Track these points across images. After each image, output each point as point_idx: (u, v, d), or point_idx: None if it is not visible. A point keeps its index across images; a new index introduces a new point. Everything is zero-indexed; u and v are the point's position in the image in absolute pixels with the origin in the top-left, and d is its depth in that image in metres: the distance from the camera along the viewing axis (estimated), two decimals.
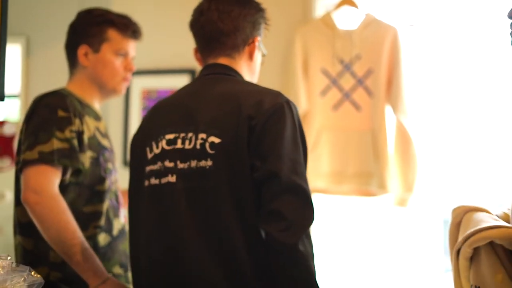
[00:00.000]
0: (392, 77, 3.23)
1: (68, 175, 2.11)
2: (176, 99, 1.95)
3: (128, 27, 2.33)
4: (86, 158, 2.14)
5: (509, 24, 1.56)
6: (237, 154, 1.74)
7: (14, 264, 1.53)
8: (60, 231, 1.97)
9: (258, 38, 1.99)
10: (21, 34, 4.40)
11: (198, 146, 1.78)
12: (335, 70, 3.31)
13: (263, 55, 2.05)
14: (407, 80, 3.22)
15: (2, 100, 2.09)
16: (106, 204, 2.21)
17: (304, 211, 1.72)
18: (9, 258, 1.56)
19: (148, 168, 1.85)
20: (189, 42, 3.65)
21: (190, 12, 3.69)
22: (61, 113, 2.10)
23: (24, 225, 2.13)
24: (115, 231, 2.24)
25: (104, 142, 2.28)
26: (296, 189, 1.72)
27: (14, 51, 4.37)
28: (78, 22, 2.33)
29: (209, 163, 1.75)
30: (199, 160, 1.76)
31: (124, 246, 2.29)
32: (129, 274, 2.29)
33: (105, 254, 2.18)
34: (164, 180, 1.81)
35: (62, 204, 2.00)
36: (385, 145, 3.21)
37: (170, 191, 1.80)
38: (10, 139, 4.33)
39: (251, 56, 1.98)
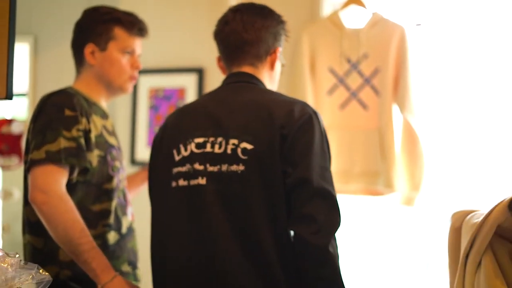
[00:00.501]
0: (399, 76, 3.23)
1: (75, 174, 2.11)
2: (203, 104, 2.03)
3: (134, 25, 2.33)
4: (94, 156, 2.15)
5: None
6: (269, 160, 1.84)
7: (22, 262, 1.54)
8: (68, 230, 1.97)
9: (279, 49, 2.09)
10: (29, 33, 4.42)
11: (229, 151, 1.87)
12: (342, 69, 3.31)
13: (282, 65, 2.15)
14: (414, 79, 3.21)
15: (11, 98, 2.10)
16: (114, 202, 2.22)
17: (332, 215, 1.83)
18: (17, 256, 1.57)
19: (176, 169, 1.93)
20: (196, 41, 3.67)
21: (197, 11, 3.72)
22: (68, 112, 2.10)
23: (33, 224, 2.14)
24: (123, 229, 2.25)
25: (112, 140, 2.28)
26: (324, 194, 1.83)
27: (22, 50, 4.39)
28: (84, 21, 2.33)
29: (241, 167, 1.85)
30: (230, 164, 1.86)
31: (132, 244, 2.30)
32: (138, 272, 2.30)
33: (114, 252, 2.19)
34: (193, 182, 1.89)
35: (69, 203, 2.00)
36: (392, 144, 3.21)
37: (201, 193, 1.88)
38: (18, 137, 4.35)
39: (272, 66, 2.08)
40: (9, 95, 2.10)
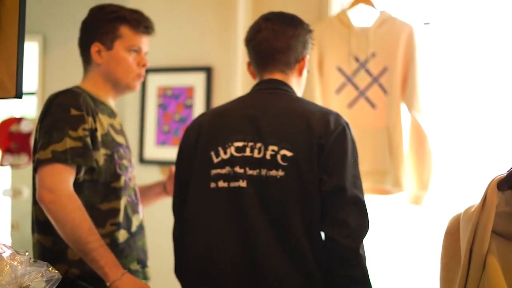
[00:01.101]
0: (408, 75, 3.23)
1: (82, 173, 2.12)
2: (239, 109, 2.12)
3: (140, 23, 2.32)
4: (100, 155, 2.15)
5: None
6: (307, 168, 1.96)
7: (32, 260, 1.55)
8: (75, 229, 1.98)
9: (307, 57, 2.19)
10: (38, 32, 4.44)
11: (268, 157, 1.99)
12: (351, 68, 3.31)
13: (308, 71, 2.25)
14: (423, 78, 3.21)
15: (20, 97, 2.11)
16: (123, 201, 2.22)
17: (362, 220, 1.98)
18: (27, 253, 1.58)
19: (215, 171, 2.03)
20: (205, 40, 3.67)
21: (206, 10, 3.72)
22: (74, 111, 2.11)
23: (42, 223, 2.15)
24: (133, 228, 2.26)
25: (119, 139, 2.28)
26: (356, 201, 1.98)
27: (31, 49, 4.41)
28: (90, 20, 2.33)
29: (281, 173, 1.97)
30: (270, 169, 1.98)
31: (142, 242, 2.30)
32: (147, 270, 2.30)
33: (123, 250, 2.19)
34: (233, 184, 2.00)
35: (77, 202, 2.01)
36: (400, 143, 3.21)
37: (241, 195, 1.99)
38: (27, 136, 4.37)
39: (300, 72, 2.19)
40: (18, 94, 2.11)
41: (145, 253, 2.32)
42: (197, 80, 3.68)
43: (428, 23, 3.34)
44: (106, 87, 2.31)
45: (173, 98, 3.73)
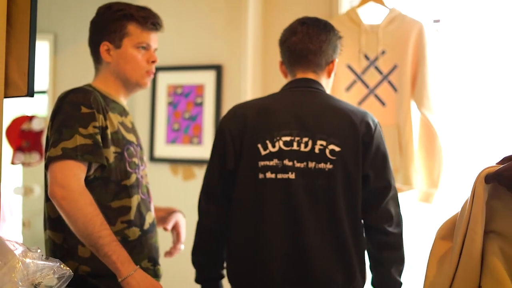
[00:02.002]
0: (417, 72, 3.22)
1: (92, 171, 2.13)
2: (283, 105, 2.29)
3: (147, 20, 2.31)
4: (110, 153, 2.16)
5: None
6: (353, 162, 2.19)
7: (44, 257, 1.56)
8: (87, 224, 1.99)
9: (336, 60, 2.38)
10: (49, 31, 4.46)
11: (316, 151, 2.18)
12: (361, 66, 3.31)
13: (335, 75, 2.46)
14: (432, 75, 3.20)
15: (32, 96, 2.13)
16: (135, 199, 2.23)
17: (399, 210, 2.29)
18: (39, 251, 1.59)
19: (263, 163, 2.21)
20: (215, 39, 3.68)
21: (216, 8, 3.72)
22: (84, 109, 2.12)
23: (53, 220, 2.16)
24: (146, 225, 2.26)
25: (130, 137, 2.29)
26: (395, 194, 2.28)
27: (42, 48, 4.43)
28: (98, 19, 2.34)
29: (329, 166, 2.17)
30: (318, 162, 2.17)
31: (154, 240, 2.31)
32: (158, 268, 2.31)
33: (134, 248, 2.20)
34: (281, 176, 2.19)
35: (89, 197, 2.02)
36: (410, 141, 3.20)
37: (290, 186, 2.18)
38: (38, 134, 4.39)
39: (329, 74, 2.38)
40: (30, 93, 2.12)
41: (156, 251, 2.32)
42: (207, 78, 3.69)
43: (438, 21, 3.34)
44: (117, 85, 2.32)
45: (183, 96, 3.74)
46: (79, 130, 2.08)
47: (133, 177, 2.24)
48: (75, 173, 2.04)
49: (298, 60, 2.33)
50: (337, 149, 2.18)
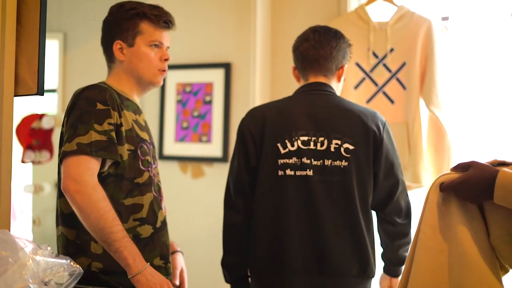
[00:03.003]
0: (426, 70, 3.22)
1: (106, 167, 2.14)
2: (298, 107, 2.47)
3: (160, 18, 2.32)
4: (124, 150, 2.17)
5: None
6: (365, 158, 2.39)
7: (54, 254, 1.57)
8: (100, 219, 1.99)
9: (345, 66, 2.56)
10: (59, 30, 4.48)
11: (332, 149, 2.38)
12: (369, 64, 3.31)
13: (344, 80, 2.63)
14: (441, 73, 3.20)
15: (42, 94, 2.14)
16: (148, 197, 2.24)
17: (408, 200, 2.54)
18: (49, 248, 1.60)
19: (282, 161, 2.40)
20: (224, 37, 3.69)
21: (225, 6, 3.72)
22: (100, 106, 2.12)
23: (66, 216, 2.17)
24: (158, 223, 2.27)
25: (143, 135, 2.30)
26: (404, 187, 2.51)
27: (52, 47, 4.44)
28: (110, 18, 2.35)
29: (345, 163, 2.37)
30: (334, 160, 2.37)
31: (165, 238, 2.32)
32: (169, 266, 2.32)
33: (146, 245, 2.20)
34: (299, 173, 2.38)
35: (102, 192, 2.03)
36: (419, 138, 3.20)
37: (308, 182, 2.37)
38: (48, 132, 4.40)
39: (339, 78, 2.56)
40: (40, 91, 2.13)
41: (168, 248, 2.33)
42: (216, 76, 3.70)
43: (446, 18, 3.33)
44: (130, 83, 2.32)
45: (192, 94, 3.75)
46: (94, 126, 2.09)
47: (146, 175, 2.24)
48: (88, 167, 2.04)
49: (310, 65, 2.50)
50: (351, 147, 2.37)
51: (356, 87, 3.33)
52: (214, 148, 3.66)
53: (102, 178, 2.12)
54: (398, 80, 3.27)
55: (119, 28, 2.30)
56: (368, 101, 3.31)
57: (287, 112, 2.46)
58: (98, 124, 2.09)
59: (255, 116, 2.51)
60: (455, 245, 1.75)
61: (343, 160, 2.37)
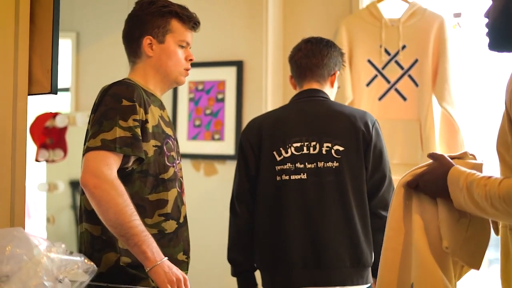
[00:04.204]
0: (438, 66, 3.21)
1: (130, 163, 2.14)
2: (292, 115, 2.65)
3: (190, 19, 2.36)
4: (150, 146, 2.17)
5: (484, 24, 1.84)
6: (356, 158, 2.54)
7: (68, 252, 1.59)
8: (119, 214, 1.99)
9: (337, 73, 2.72)
10: (72, 30, 4.49)
11: (324, 152, 2.54)
12: (381, 61, 3.31)
13: (338, 87, 2.81)
14: (453, 69, 3.19)
15: (55, 93, 2.15)
16: (173, 192, 2.25)
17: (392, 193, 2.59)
18: (63, 246, 1.62)
19: (279, 167, 2.59)
20: (236, 35, 3.70)
21: (237, 5, 3.73)
22: (125, 102, 2.13)
23: (90, 212, 2.15)
24: (181, 218, 2.29)
25: (168, 131, 2.31)
26: (391, 181, 2.62)
27: (65, 46, 4.46)
28: (140, 13, 2.34)
29: (336, 164, 2.53)
30: (326, 162, 2.53)
31: (186, 233, 2.33)
32: (189, 261, 2.33)
33: (171, 240, 2.22)
34: (294, 177, 2.55)
35: (121, 187, 2.03)
36: (431, 135, 3.20)
37: (303, 185, 2.54)
38: (62, 131, 4.42)
39: (332, 84, 2.72)
40: (53, 90, 2.15)
41: (188, 243, 2.35)
42: (228, 74, 3.70)
43: (459, 14, 3.32)
44: (156, 80, 2.33)
45: (205, 92, 3.76)
46: (119, 122, 2.09)
47: (171, 171, 2.26)
48: (108, 163, 2.04)
49: (303, 73, 2.68)
50: (341, 148, 2.53)
51: (368, 84, 3.33)
52: (226, 146, 3.67)
53: (126, 173, 2.12)
54: (410, 77, 3.26)
55: (150, 23, 2.31)
56: (380, 98, 3.31)
57: (282, 121, 2.65)
58: (123, 120, 2.10)
59: (253, 128, 2.71)
60: (409, 242, 1.88)
61: (335, 161, 2.53)
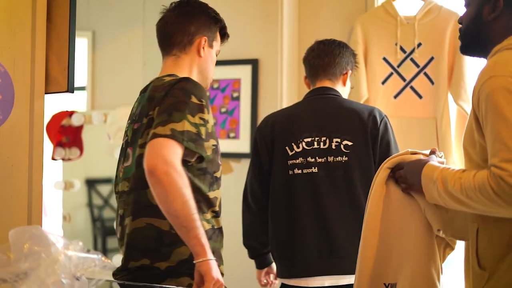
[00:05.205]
0: (454, 64, 3.20)
1: (194, 159, 2.14)
2: (303, 112, 2.76)
3: (226, 35, 2.47)
4: (210, 146, 2.18)
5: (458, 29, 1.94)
6: (364, 153, 2.63)
7: (85, 249, 1.59)
8: (185, 205, 1.97)
9: (349, 72, 2.81)
10: (88, 29, 4.52)
11: (333, 147, 2.64)
12: (397, 58, 3.30)
13: (351, 87, 2.91)
14: (470, 67, 3.18)
15: (72, 92, 2.17)
16: (220, 190, 2.28)
17: None
18: (80, 243, 1.63)
19: (291, 161, 2.69)
20: (251, 33, 3.70)
21: (252, 2, 3.73)
22: (194, 99, 2.13)
23: (156, 207, 2.11)
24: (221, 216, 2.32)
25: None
26: None
27: (81, 45, 4.49)
28: (197, 12, 2.36)
29: (345, 158, 2.63)
30: (336, 156, 2.63)
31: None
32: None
33: (218, 236, 2.25)
34: (306, 171, 2.66)
35: (186, 179, 2.02)
36: (448, 133, 3.19)
37: (314, 178, 2.65)
38: (78, 129, 4.44)
39: (344, 83, 2.81)
40: (70, 89, 2.16)
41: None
42: (243, 73, 3.71)
43: None
44: (197, 79, 2.35)
45: (220, 91, 3.77)
46: (188, 116, 2.09)
47: (221, 169, 2.28)
48: (177, 152, 2.02)
49: (316, 71, 2.78)
50: (350, 143, 2.63)
51: (383, 82, 3.32)
52: (242, 144, 3.68)
53: (187, 168, 2.12)
54: (426, 75, 3.25)
55: (207, 25, 2.35)
56: (396, 96, 3.30)
57: (294, 118, 2.76)
58: (191, 115, 2.10)
59: (267, 124, 2.81)
60: (389, 242, 1.99)
61: (344, 156, 2.63)
